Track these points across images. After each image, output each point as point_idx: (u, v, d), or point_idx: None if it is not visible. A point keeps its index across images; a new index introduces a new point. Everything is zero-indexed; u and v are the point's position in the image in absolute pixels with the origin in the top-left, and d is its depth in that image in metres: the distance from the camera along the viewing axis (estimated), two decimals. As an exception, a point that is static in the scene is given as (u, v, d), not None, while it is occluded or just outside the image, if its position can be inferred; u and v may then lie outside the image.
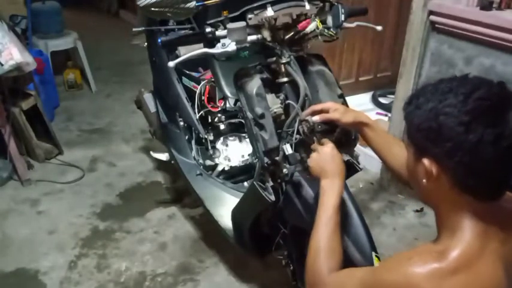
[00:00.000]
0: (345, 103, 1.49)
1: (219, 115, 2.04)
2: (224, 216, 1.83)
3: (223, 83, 1.84)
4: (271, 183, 1.43)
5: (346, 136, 1.41)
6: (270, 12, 1.38)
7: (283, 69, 1.42)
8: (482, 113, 0.81)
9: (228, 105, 1.94)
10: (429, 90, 0.89)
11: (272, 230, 1.63)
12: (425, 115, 0.86)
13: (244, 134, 2.06)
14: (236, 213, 1.70)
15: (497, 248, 0.87)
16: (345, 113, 1.30)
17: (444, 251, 0.86)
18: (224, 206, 1.87)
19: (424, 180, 0.90)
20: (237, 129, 2.09)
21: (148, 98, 2.54)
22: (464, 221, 0.87)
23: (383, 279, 0.90)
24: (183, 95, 2.15)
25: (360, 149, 1.55)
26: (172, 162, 2.29)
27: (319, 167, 1.24)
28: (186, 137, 2.20)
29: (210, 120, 2.08)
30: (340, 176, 1.21)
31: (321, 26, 1.40)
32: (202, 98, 2.04)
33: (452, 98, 0.84)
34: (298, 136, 1.35)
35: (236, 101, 1.78)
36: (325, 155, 1.24)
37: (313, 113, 1.32)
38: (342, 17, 1.44)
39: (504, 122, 0.81)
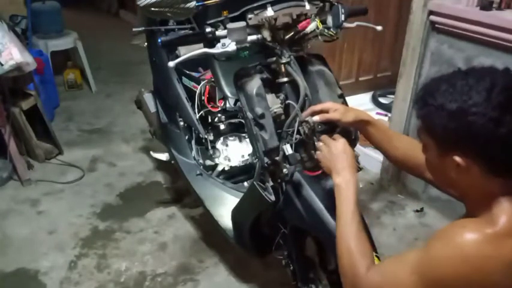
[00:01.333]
0: (345, 103, 1.49)
1: (219, 115, 2.04)
2: (224, 216, 1.83)
3: (223, 83, 1.84)
4: (271, 183, 1.43)
5: (346, 136, 1.40)
6: (270, 12, 1.38)
7: (283, 69, 1.42)
8: (508, 104, 0.85)
9: (228, 105, 1.94)
10: (445, 89, 0.90)
11: (272, 230, 1.62)
12: (451, 116, 0.88)
13: (244, 134, 2.06)
14: (236, 213, 1.70)
15: None
16: (345, 113, 1.30)
17: (491, 218, 0.88)
18: (224, 206, 1.87)
19: (452, 174, 0.92)
20: (237, 129, 2.09)
21: (148, 98, 2.54)
22: (499, 199, 0.90)
23: (440, 254, 0.89)
24: (183, 95, 2.15)
25: (360, 149, 1.55)
26: (172, 162, 2.29)
27: (330, 163, 1.21)
28: (186, 137, 2.20)
29: (210, 120, 2.08)
30: (353, 172, 1.19)
31: (321, 26, 1.40)
32: (202, 98, 2.04)
33: (475, 96, 0.86)
34: (298, 136, 1.35)
35: (236, 101, 1.78)
36: (338, 151, 1.21)
37: (313, 114, 1.32)
38: (342, 17, 1.44)
39: None
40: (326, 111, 1.31)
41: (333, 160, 1.21)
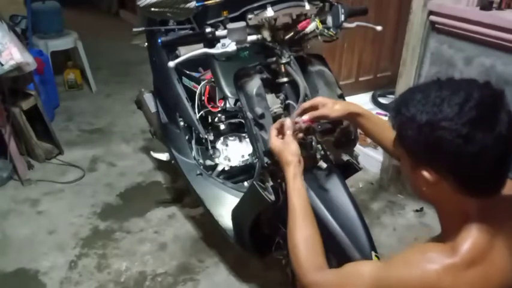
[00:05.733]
0: (345, 103, 1.49)
1: (219, 115, 2.04)
2: (224, 216, 1.83)
3: (223, 83, 1.84)
4: (271, 183, 1.43)
5: (346, 136, 1.41)
6: (270, 12, 1.38)
7: (283, 69, 1.42)
8: (479, 121, 0.80)
9: (228, 105, 1.93)
10: (419, 100, 0.85)
11: (272, 230, 1.63)
12: (421, 129, 0.84)
13: (244, 134, 2.06)
14: (236, 213, 1.70)
15: (504, 238, 0.87)
16: (333, 107, 1.26)
17: (455, 246, 0.86)
18: (224, 206, 1.87)
19: (424, 188, 0.89)
20: (237, 129, 2.09)
21: (148, 98, 2.54)
22: (469, 218, 0.87)
23: (399, 276, 0.88)
24: (183, 95, 2.15)
25: (360, 149, 1.55)
26: (172, 162, 2.29)
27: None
28: (186, 137, 2.20)
29: (210, 120, 2.08)
30: (282, 167, 1.20)
31: (321, 26, 1.41)
32: (202, 98, 2.04)
33: (446, 109, 0.81)
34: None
35: (236, 101, 1.78)
36: (273, 150, 1.24)
37: (304, 111, 1.29)
38: (342, 17, 1.45)
39: (499, 122, 0.81)
40: (316, 107, 1.28)
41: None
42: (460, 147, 0.80)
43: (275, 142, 1.23)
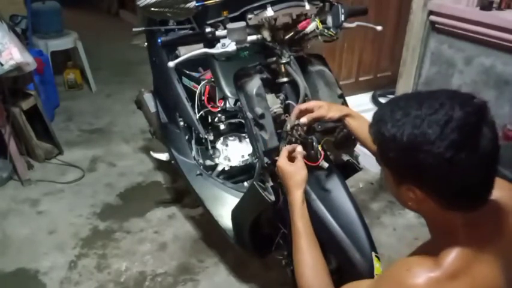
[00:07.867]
0: (345, 103, 1.50)
1: (219, 115, 2.04)
2: (224, 216, 1.83)
3: (223, 83, 1.84)
4: (271, 183, 1.43)
5: (346, 136, 1.41)
6: (270, 12, 1.38)
7: (283, 69, 1.42)
8: (462, 143, 0.77)
9: (228, 105, 1.93)
10: (398, 119, 0.82)
11: (272, 230, 1.63)
12: (402, 151, 0.82)
13: (244, 134, 2.06)
14: (236, 213, 1.70)
15: (492, 247, 0.87)
16: (330, 109, 1.29)
17: (438, 259, 0.85)
18: (224, 206, 1.87)
19: (409, 203, 0.89)
20: (237, 129, 2.09)
21: (148, 98, 2.54)
22: (455, 230, 0.87)
23: None
24: (183, 95, 2.15)
25: (360, 149, 1.55)
26: (172, 162, 2.29)
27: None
28: (186, 137, 2.20)
29: (210, 120, 2.08)
30: (290, 190, 1.22)
31: (321, 26, 1.41)
32: (202, 98, 2.04)
33: (427, 130, 0.78)
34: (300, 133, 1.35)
35: (236, 101, 1.78)
36: (279, 174, 1.26)
37: (301, 113, 1.31)
38: (342, 17, 1.45)
39: (482, 139, 0.78)
40: (311, 110, 1.30)
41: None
42: (444, 169, 0.78)
43: (286, 164, 1.25)
